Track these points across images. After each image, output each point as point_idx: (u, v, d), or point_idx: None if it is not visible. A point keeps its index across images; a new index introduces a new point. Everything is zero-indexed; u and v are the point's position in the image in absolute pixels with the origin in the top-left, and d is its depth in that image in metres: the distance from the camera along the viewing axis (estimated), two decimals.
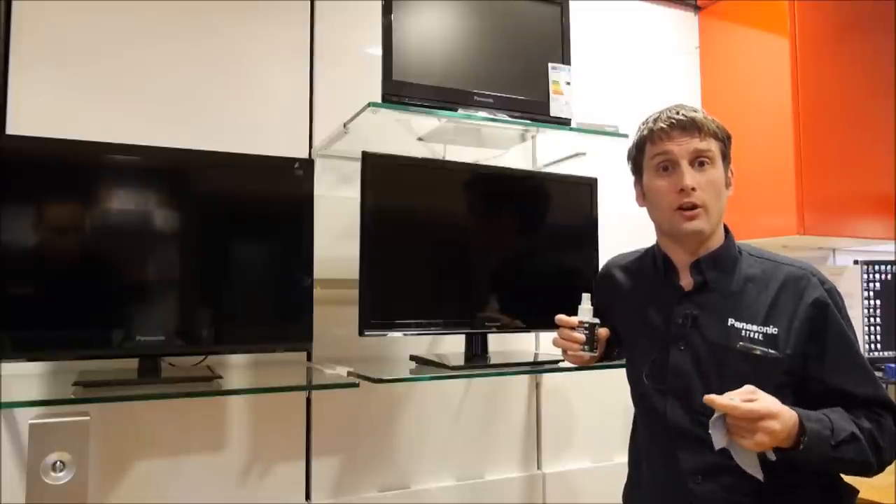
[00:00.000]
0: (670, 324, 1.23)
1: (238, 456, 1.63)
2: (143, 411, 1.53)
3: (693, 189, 1.18)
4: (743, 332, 1.16)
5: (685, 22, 2.37)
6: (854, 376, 1.14)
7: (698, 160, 1.20)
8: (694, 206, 1.19)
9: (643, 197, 1.30)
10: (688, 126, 1.20)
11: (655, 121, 1.24)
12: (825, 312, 1.15)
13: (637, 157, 1.30)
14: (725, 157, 1.24)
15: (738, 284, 1.21)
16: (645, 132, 1.26)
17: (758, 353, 1.14)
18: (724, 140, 1.24)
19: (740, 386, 1.08)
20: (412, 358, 1.68)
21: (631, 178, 1.34)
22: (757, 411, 1.01)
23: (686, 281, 1.25)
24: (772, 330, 1.15)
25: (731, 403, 1.01)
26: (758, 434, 1.01)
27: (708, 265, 1.23)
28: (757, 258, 1.24)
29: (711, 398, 1.03)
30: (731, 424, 1.03)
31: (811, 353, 1.15)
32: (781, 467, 1.07)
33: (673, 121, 1.21)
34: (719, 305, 1.20)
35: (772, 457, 1.06)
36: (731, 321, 1.18)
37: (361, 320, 1.49)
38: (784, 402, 1.08)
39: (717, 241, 1.24)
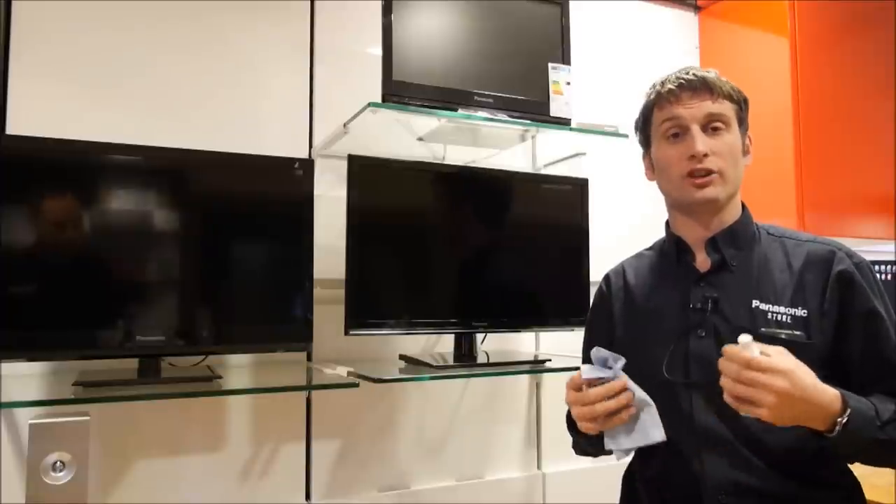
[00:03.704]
0: (688, 309, 1.11)
1: (238, 456, 1.63)
2: (143, 411, 1.53)
3: (706, 155, 1.07)
4: (769, 314, 1.05)
5: (685, 22, 2.37)
6: (887, 361, 1.03)
7: (711, 125, 1.09)
8: (708, 173, 1.08)
9: (652, 169, 1.19)
10: (698, 87, 1.09)
11: (663, 83, 1.13)
12: (851, 288, 1.04)
13: (644, 127, 1.19)
14: (742, 123, 1.13)
15: (758, 263, 1.10)
16: (652, 97, 1.15)
17: (783, 337, 1.03)
18: (741, 103, 1.13)
19: None
20: (402, 357, 1.69)
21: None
22: (758, 361, 0.89)
23: (702, 260, 1.14)
24: (801, 312, 1.04)
25: (731, 349, 0.91)
26: (760, 391, 0.89)
27: (725, 242, 1.12)
28: (777, 237, 1.14)
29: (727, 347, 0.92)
30: (728, 374, 0.92)
31: (841, 336, 1.04)
32: (809, 477, 1.00)
33: (682, 81, 1.10)
34: (741, 286, 1.09)
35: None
36: (755, 303, 1.07)
37: (347, 319, 1.51)
38: None
39: (734, 215, 1.13)
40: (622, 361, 1.03)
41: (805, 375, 0.92)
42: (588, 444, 1.17)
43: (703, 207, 1.11)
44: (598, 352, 1.04)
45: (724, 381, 0.93)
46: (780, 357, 0.91)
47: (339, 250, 1.54)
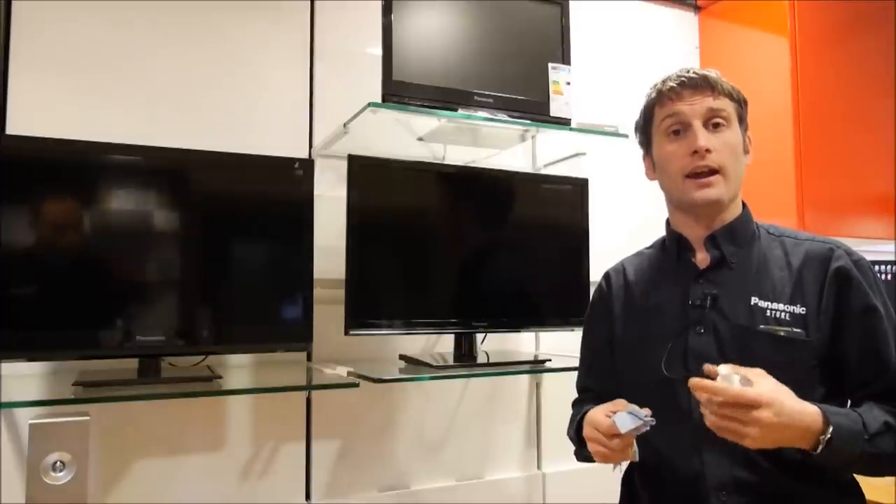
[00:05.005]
0: (687, 306, 1.12)
1: (238, 456, 1.63)
2: (143, 411, 1.53)
3: (708, 151, 1.07)
4: (768, 311, 1.06)
5: (685, 22, 2.37)
6: (882, 359, 1.03)
7: (712, 121, 1.10)
8: (710, 171, 1.08)
9: (653, 169, 1.19)
10: (700, 84, 1.10)
11: (664, 82, 1.14)
12: (848, 285, 1.04)
13: (645, 127, 1.19)
14: (742, 121, 1.14)
15: (758, 260, 1.11)
16: (653, 95, 1.16)
17: (782, 334, 1.04)
18: (740, 102, 1.14)
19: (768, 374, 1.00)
20: (402, 357, 1.69)
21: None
22: (744, 396, 0.90)
23: (701, 257, 1.14)
24: (800, 309, 1.05)
25: (717, 386, 0.92)
26: (744, 426, 0.91)
27: (724, 239, 1.12)
28: (776, 236, 1.14)
29: (698, 382, 0.93)
30: (713, 409, 0.93)
31: (837, 333, 1.04)
32: (808, 474, 1.00)
33: (683, 79, 1.11)
34: (740, 283, 1.10)
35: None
36: (754, 300, 1.07)
37: (347, 319, 1.51)
38: (813, 391, 1.00)
39: (734, 212, 1.14)
40: (647, 411, 1.03)
41: (787, 400, 0.93)
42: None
43: (704, 208, 1.11)
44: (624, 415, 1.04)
45: (706, 413, 0.94)
46: (763, 386, 0.93)
47: (339, 250, 1.54)
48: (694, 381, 0.95)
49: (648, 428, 1.02)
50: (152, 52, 1.61)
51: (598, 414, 1.07)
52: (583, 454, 1.16)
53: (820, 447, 0.94)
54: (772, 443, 0.94)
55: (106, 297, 1.36)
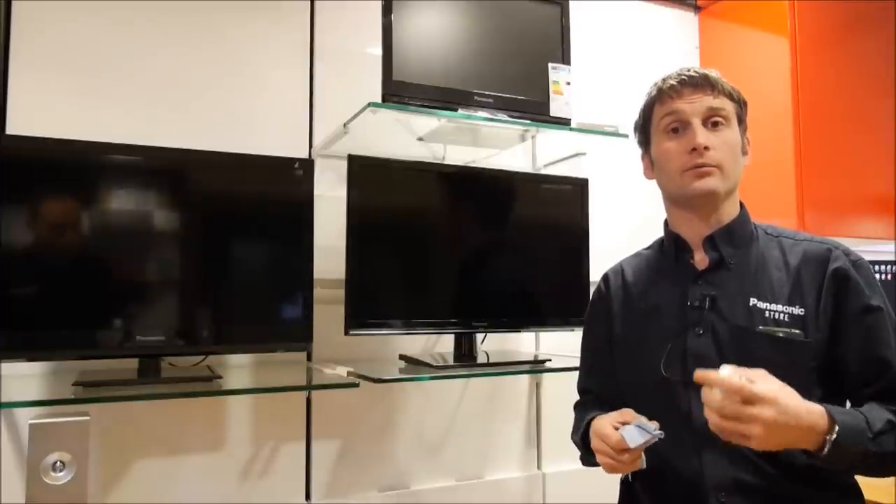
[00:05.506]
0: (686, 307, 1.12)
1: (238, 456, 1.63)
2: (143, 411, 1.53)
3: (707, 148, 1.07)
4: (766, 312, 1.06)
5: (685, 22, 2.37)
6: (882, 359, 1.02)
7: (712, 119, 1.10)
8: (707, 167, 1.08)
9: (651, 168, 1.20)
10: (700, 83, 1.11)
11: (664, 80, 1.14)
12: (846, 285, 1.04)
13: (644, 126, 1.19)
14: (741, 122, 1.14)
15: (756, 261, 1.11)
16: (653, 93, 1.16)
17: (780, 335, 1.04)
18: (740, 103, 1.14)
19: None
20: (402, 357, 1.69)
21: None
22: (746, 389, 0.88)
23: (700, 257, 1.14)
24: (798, 310, 1.05)
25: (722, 378, 0.90)
26: (746, 424, 0.88)
27: (723, 240, 1.12)
28: (774, 236, 1.14)
29: (703, 373, 0.92)
30: (711, 406, 0.91)
31: (835, 334, 1.04)
32: (808, 475, 1.00)
33: (684, 78, 1.12)
34: (738, 284, 1.10)
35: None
36: (752, 301, 1.07)
37: (347, 319, 1.52)
38: (811, 393, 0.98)
39: (732, 213, 1.14)
40: (655, 423, 1.03)
41: (790, 398, 0.91)
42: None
43: (701, 200, 1.11)
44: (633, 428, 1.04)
45: (709, 414, 0.92)
46: (764, 383, 0.90)
47: (339, 250, 1.54)
48: (700, 373, 0.93)
49: (657, 441, 1.01)
50: (152, 52, 1.61)
51: (606, 426, 1.06)
52: (590, 461, 1.15)
53: (826, 447, 0.92)
54: (776, 444, 0.92)
55: (106, 297, 1.36)
